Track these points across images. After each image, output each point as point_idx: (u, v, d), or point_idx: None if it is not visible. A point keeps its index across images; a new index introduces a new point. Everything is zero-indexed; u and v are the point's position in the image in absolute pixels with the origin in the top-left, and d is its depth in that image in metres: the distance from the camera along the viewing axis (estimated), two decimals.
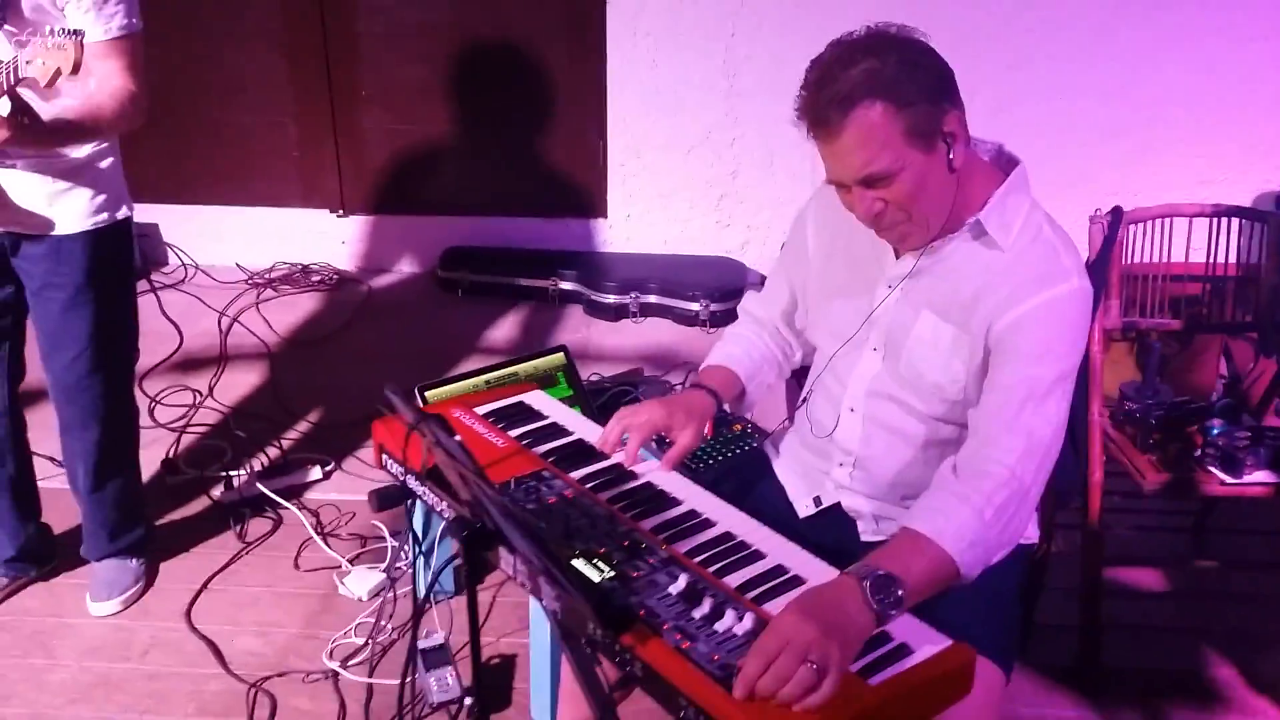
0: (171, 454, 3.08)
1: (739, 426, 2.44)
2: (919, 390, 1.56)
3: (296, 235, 4.21)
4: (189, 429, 3.22)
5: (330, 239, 4.23)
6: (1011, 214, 1.49)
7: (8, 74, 1.84)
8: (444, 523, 1.51)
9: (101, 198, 2.26)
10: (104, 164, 2.26)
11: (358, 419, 3.23)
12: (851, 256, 1.62)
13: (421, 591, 2.51)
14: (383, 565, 2.63)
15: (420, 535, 2.37)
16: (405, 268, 4.27)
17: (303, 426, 3.25)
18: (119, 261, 2.36)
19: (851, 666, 1.22)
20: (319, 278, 4.16)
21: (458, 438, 1.20)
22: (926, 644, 1.26)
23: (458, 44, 3.98)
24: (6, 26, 2.01)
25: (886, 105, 1.37)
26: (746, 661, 1.18)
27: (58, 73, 1.81)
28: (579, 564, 1.37)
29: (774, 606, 1.30)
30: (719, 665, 1.20)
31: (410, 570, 2.58)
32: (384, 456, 1.70)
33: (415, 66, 4.01)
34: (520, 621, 2.43)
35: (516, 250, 4.15)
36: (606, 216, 4.17)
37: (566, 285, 4.00)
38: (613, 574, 1.35)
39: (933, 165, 1.41)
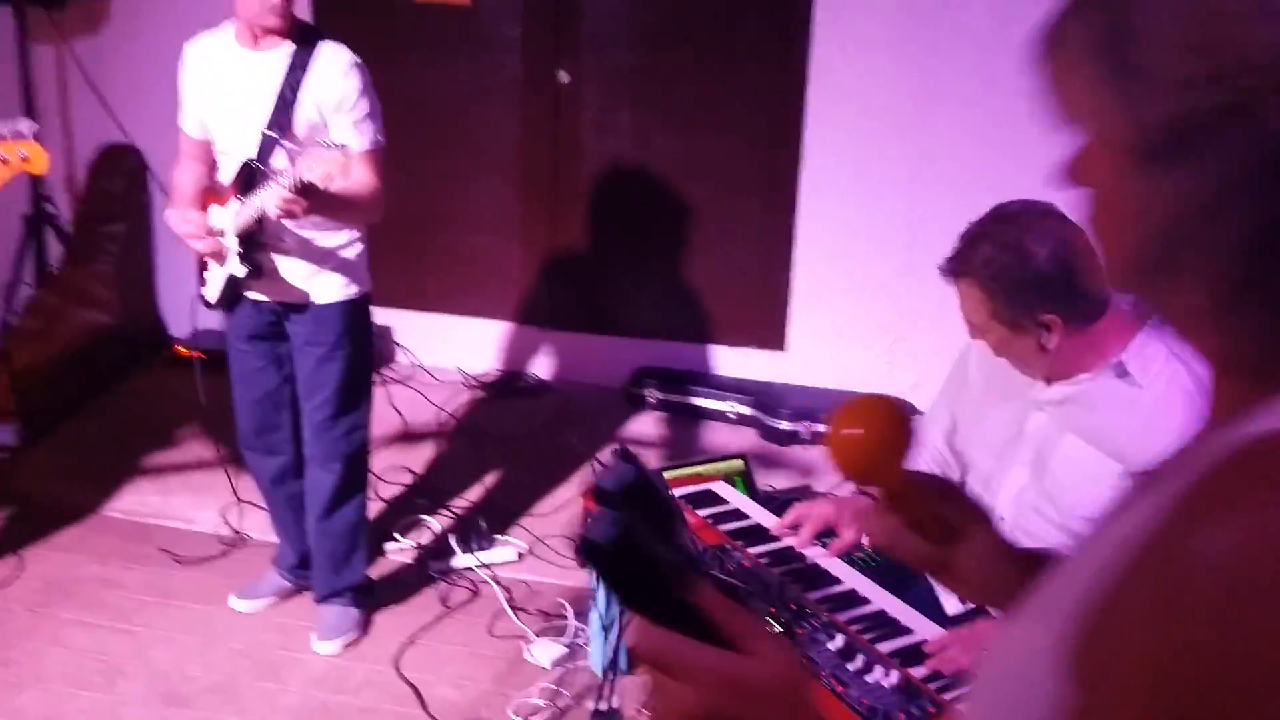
0: (391, 526, 3.52)
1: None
2: (1059, 504, 1.78)
3: (509, 345, 4.73)
4: (407, 505, 3.67)
5: (538, 351, 4.72)
6: (1150, 358, 1.73)
7: (296, 179, 2.39)
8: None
9: (350, 276, 2.83)
10: (353, 251, 2.84)
11: (550, 510, 3.62)
12: (1006, 383, 1.88)
13: (599, 660, 2.80)
14: (565, 639, 2.94)
15: (603, 609, 2.68)
16: (599, 381, 4.70)
17: (502, 513, 3.65)
18: (362, 326, 2.92)
19: None
20: (525, 384, 4.63)
21: (674, 493, 1.52)
22: None
23: (667, 192, 4.48)
24: (284, 143, 2.61)
25: (981, 291, 1.71)
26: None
27: (330, 175, 2.34)
28: None
29: (918, 671, 1.54)
30: (867, 707, 1.45)
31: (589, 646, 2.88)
32: None
33: (630, 208, 4.53)
34: None
35: (700, 373, 4.52)
36: (784, 349, 4.50)
37: (744, 409, 4.32)
38: (780, 630, 1.62)
39: (1018, 339, 1.73)
